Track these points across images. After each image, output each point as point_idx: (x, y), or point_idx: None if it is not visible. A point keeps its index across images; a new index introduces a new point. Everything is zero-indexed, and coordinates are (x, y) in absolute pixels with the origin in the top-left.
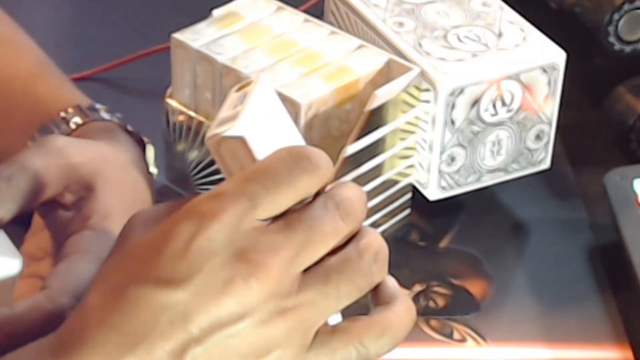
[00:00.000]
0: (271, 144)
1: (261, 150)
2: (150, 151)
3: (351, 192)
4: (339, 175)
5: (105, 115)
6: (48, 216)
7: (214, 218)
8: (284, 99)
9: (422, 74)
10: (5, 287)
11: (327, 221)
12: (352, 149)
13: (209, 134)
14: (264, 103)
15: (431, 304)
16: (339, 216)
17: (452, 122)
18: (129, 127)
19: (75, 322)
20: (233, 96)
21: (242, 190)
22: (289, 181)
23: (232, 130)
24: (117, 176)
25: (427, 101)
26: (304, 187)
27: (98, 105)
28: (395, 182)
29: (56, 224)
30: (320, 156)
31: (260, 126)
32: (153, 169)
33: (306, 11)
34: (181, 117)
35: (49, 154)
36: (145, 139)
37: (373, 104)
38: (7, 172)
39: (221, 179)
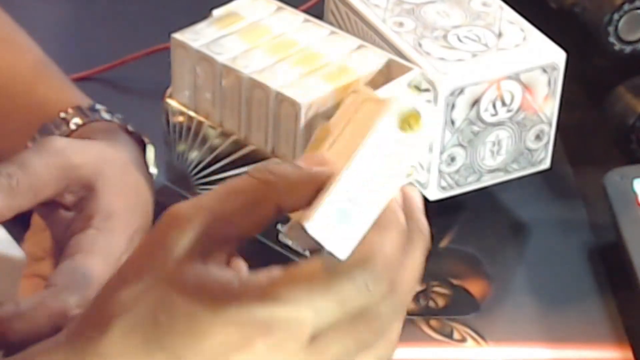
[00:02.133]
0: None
1: (338, 246)
2: (150, 151)
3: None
4: None
5: (105, 115)
6: (49, 217)
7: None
8: (284, 99)
9: (422, 74)
10: (11, 282)
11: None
12: None
13: (291, 223)
14: (357, 182)
15: (431, 304)
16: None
17: (452, 122)
18: (130, 128)
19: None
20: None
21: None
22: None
23: (307, 224)
24: (118, 176)
25: (427, 101)
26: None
27: (98, 106)
28: None
29: (58, 224)
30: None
31: (343, 219)
32: (153, 169)
33: (306, 11)
34: (181, 117)
35: (49, 154)
36: (146, 140)
37: None
38: (7, 169)
39: (221, 179)
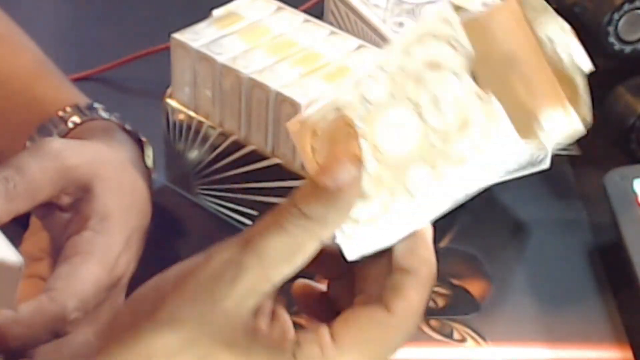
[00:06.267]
0: None
1: None
2: (148, 150)
3: None
4: None
5: (103, 114)
6: (46, 218)
7: None
8: (284, 99)
9: None
10: (9, 287)
11: None
12: None
13: None
14: None
15: (431, 304)
16: None
17: None
18: (127, 126)
19: None
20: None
21: None
22: None
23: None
24: (115, 176)
25: None
26: None
27: (96, 105)
28: None
29: (55, 225)
30: None
31: None
32: (151, 168)
33: (306, 11)
34: (181, 117)
35: (45, 157)
36: (143, 138)
37: None
38: (3, 174)
39: (221, 179)
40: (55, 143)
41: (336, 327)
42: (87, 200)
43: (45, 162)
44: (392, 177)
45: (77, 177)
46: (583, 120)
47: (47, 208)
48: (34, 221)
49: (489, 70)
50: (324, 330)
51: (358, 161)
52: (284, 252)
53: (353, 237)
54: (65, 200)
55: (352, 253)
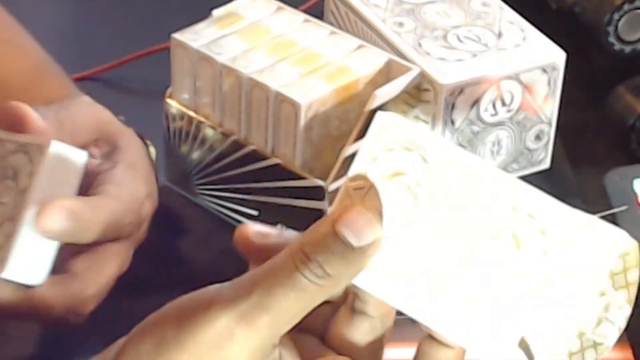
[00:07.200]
0: None
1: None
2: (151, 152)
3: None
4: (339, 175)
5: None
6: None
7: None
8: (284, 99)
9: (422, 74)
10: (73, 176)
11: None
12: (352, 149)
13: None
14: None
15: None
16: None
17: (452, 122)
18: (134, 130)
19: None
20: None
21: None
22: None
23: None
24: (136, 146)
25: (427, 101)
26: None
27: None
28: None
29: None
30: None
31: None
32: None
33: (306, 11)
34: (181, 118)
35: (85, 104)
36: (148, 142)
37: (373, 104)
38: (51, 108)
39: (221, 179)
40: (89, 98)
41: None
42: (115, 152)
43: (86, 108)
44: None
45: (109, 131)
46: None
47: None
48: None
49: None
50: None
51: (381, 218)
52: (297, 310)
53: None
54: (95, 152)
55: None
